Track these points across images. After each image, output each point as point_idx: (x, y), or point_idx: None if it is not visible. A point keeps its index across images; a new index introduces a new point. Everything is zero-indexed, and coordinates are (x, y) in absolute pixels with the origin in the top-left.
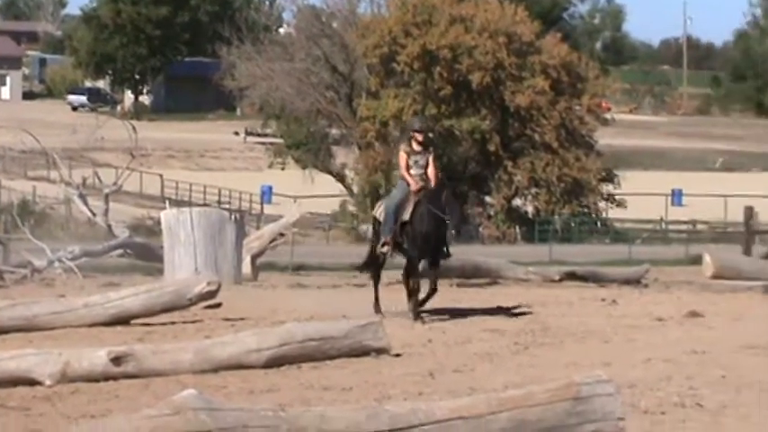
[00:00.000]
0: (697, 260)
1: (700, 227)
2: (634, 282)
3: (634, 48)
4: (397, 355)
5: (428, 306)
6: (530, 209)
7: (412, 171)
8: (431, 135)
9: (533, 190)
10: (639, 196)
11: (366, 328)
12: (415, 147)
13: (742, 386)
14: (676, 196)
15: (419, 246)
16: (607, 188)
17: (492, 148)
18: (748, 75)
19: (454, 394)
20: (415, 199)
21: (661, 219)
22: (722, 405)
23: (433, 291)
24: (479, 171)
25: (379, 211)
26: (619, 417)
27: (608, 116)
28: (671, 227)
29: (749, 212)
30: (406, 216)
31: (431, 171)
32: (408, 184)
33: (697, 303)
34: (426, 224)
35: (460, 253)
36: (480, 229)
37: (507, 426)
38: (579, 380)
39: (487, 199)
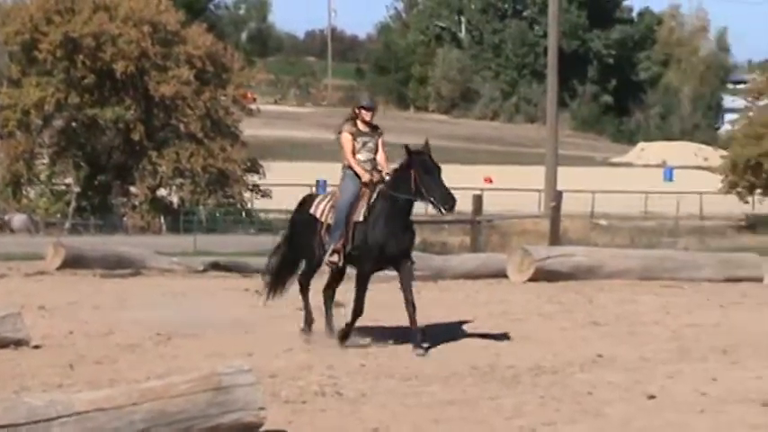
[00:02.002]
0: None
1: None
2: None
3: (279, 39)
4: (37, 347)
5: None
6: (175, 199)
7: (359, 156)
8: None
9: (178, 180)
10: (284, 186)
11: (5, 320)
12: (362, 127)
13: (381, 375)
14: (321, 187)
15: (375, 255)
16: (252, 179)
17: (136, 137)
18: (390, 67)
19: (94, 386)
20: (369, 194)
21: None
22: (361, 393)
23: (411, 308)
24: (124, 161)
25: (320, 208)
26: (260, 407)
27: (253, 107)
28: None
29: None
30: (360, 216)
31: (381, 157)
32: (357, 175)
33: (339, 293)
34: (386, 227)
35: (102, 243)
36: (124, 219)
37: (148, 417)
38: (220, 370)
39: (132, 189)
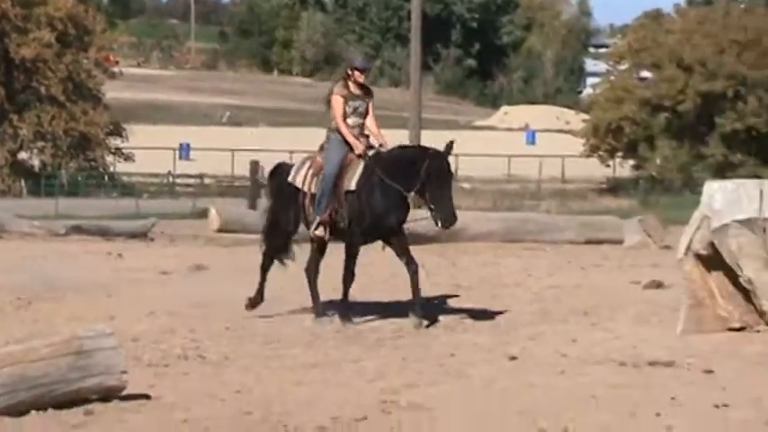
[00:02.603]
0: (204, 214)
1: (207, 181)
2: (141, 235)
3: (142, 1)
4: None
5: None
6: (36, 162)
7: (349, 121)
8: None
9: (39, 143)
10: (147, 150)
11: None
12: (354, 89)
13: (245, 338)
14: (184, 150)
15: (365, 228)
16: (115, 142)
17: None
18: (254, 31)
19: None
20: (360, 163)
21: (169, 172)
22: (224, 357)
23: (414, 274)
24: None
25: (300, 176)
26: (122, 370)
27: (116, 69)
28: (179, 180)
29: (255, 167)
30: (352, 185)
31: (371, 122)
32: (346, 141)
33: (202, 257)
34: (383, 197)
35: None
36: None
37: (8, 381)
38: (81, 334)
39: None
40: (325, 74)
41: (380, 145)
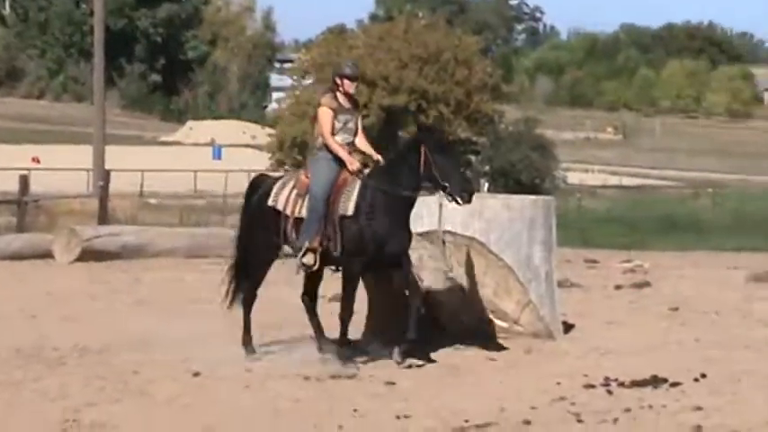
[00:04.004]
0: None
1: None
2: None
3: None
4: None
5: None
6: None
7: (338, 137)
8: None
9: None
10: None
11: None
12: (344, 102)
13: None
14: None
15: (367, 257)
16: None
17: None
18: None
19: None
20: (356, 182)
21: None
22: None
23: (417, 310)
24: None
25: (282, 197)
26: None
27: None
28: None
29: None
30: (349, 209)
31: (362, 140)
32: (337, 159)
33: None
34: (383, 223)
35: None
36: None
37: None
38: None
39: None
40: (6, 89)
41: (377, 161)
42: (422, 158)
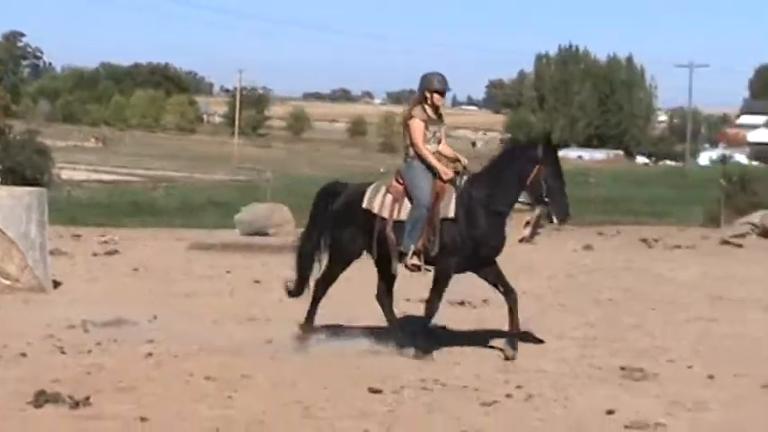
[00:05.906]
0: None
1: None
2: None
3: None
4: None
5: None
6: None
7: (428, 146)
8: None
9: None
10: None
11: None
12: (432, 114)
13: None
14: None
15: (464, 256)
16: None
17: None
18: None
19: None
20: (452, 189)
21: None
22: None
23: (513, 313)
24: None
25: (377, 201)
26: None
27: None
28: None
29: None
30: (450, 212)
31: (447, 148)
32: (430, 168)
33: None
34: (481, 225)
35: None
36: None
37: None
38: None
39: None
40: None
41: (464, 167)
42: (533, 174)
